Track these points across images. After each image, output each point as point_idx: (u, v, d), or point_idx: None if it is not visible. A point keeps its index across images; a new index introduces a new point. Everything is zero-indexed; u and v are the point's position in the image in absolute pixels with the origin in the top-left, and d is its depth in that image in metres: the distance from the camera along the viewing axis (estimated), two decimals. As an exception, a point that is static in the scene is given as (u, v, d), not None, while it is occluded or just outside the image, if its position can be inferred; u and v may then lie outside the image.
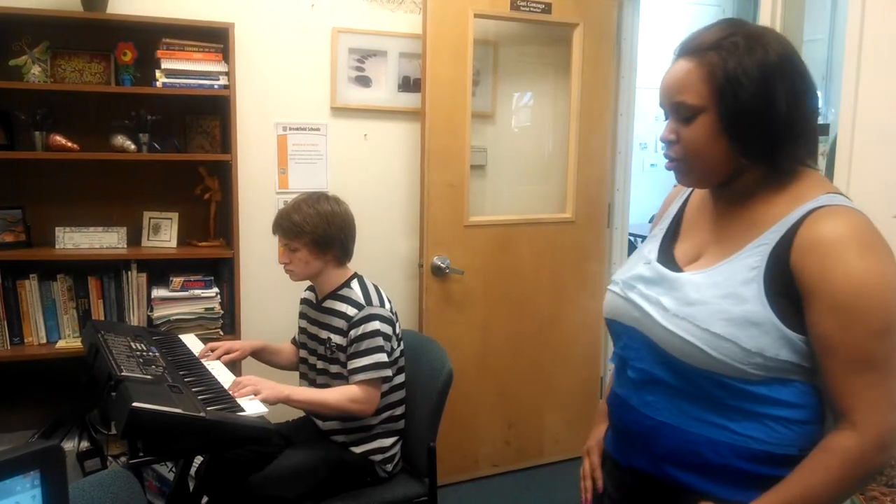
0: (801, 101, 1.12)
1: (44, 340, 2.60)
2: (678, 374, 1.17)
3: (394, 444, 2.21)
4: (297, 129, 2.98)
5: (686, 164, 1.17)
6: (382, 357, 2.08)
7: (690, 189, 1.34)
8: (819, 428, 1.10)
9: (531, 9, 3.01)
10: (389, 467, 2.21)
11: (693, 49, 1.14)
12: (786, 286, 1.08)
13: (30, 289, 2.57)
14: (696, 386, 1.15)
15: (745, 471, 1.12)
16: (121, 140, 2.62)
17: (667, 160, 1.21)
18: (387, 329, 2.12)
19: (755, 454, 1.12)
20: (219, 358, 2.21)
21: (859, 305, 1.04)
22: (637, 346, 1.24)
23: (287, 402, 2.01)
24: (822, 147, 2.46)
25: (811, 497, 1.06)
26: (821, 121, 2.56)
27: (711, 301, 1.12)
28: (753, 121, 1.10)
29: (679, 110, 1.15)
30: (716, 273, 1.15)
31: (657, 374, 1.20)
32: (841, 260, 1.05)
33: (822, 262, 1.05)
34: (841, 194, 1.13)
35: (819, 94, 1.17)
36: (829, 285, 1.05)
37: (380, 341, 2.09)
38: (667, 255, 1.27)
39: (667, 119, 1.19)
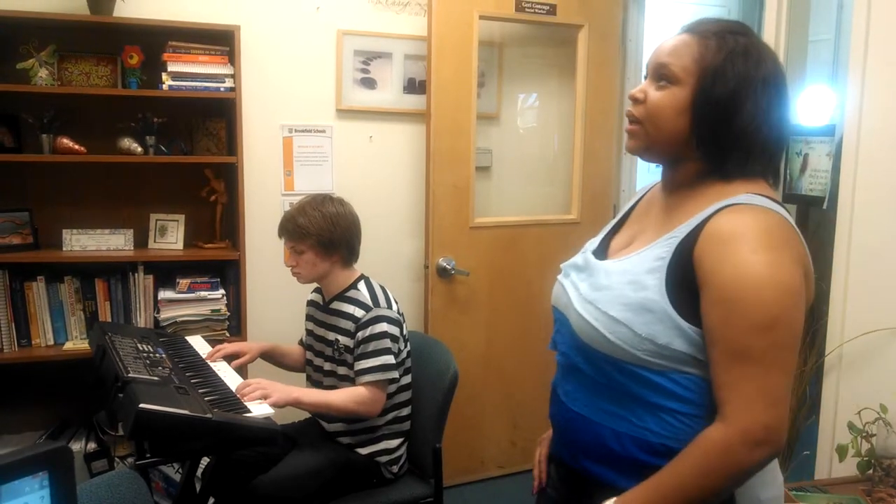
0: (770, 121, 1.13)
1: (51, 342, 2.61)
2: (587, 359, 1.20)
3: (400, 446, 2.21)
4: (303, 131, 2.99)
5: (643, 130, 1.19)
6: (389, 359, 2.08)
7: (650, 187, 1.36)
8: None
9: (536, 10, 3.01)
10: (395, 468, 2.21)
11: (699, 30, 1.17)
12: (686, 278, 1.10)
13: (37, 291, 2.58)
14: (602, 372, 1.17)
15: (648, 463, 1.13)
16: (127, 142, 2.63)
17: (627, 121, 1.22)
18: (394, 330, 2.12)
19: (653, 447, 1.13)
20: (225, 356, 2.22)
21: (742, 298, 1.04)
22: (564, 330, 1.28)
23: (296, 404, 2.01)
24: (829, 148, 2.45)
25: (680, 489, 1.06)
26: (827, 121, 2.56)
27: (616, 287, 1.15)
28: (718, 114, 1.12)
29: (660, 72, 1.17)
30: (627, 261, 1.19)
31: (574, 359, 1.24)
32: (732, 252, 1.05)
33: (716, 253, 1.07)
34: (769, 197, 1.13)
35: (790, 119, 1.19)
36: (717, 276, 1.06)
37: (387, 343, 2.09)
38: (603, 245, 1.32)
39: (645, 80, 1.22)
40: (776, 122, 1.15)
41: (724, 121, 1.12)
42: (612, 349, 1.14)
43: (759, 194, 1.13)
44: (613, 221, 1.38)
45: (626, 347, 1.12)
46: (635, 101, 1.20)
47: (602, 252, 1.30)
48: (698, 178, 1.18)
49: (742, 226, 1.07)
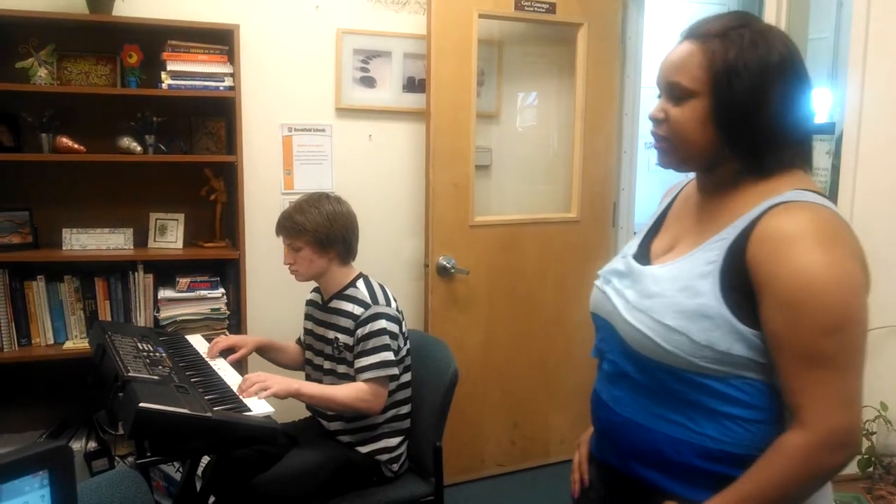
0: (795, 105, 1.12)
1: (51, 341, 2.61)
2: (639, 367, 1.18)
3: (400, 444, 2.22)
4: (303, 130, 2.99)
5: (670, 145, 1.17)
6: (389, 356, 2.08)
7: (682, 187, 1.35)
8: (776, 428, 1.09)
9: (535, 9, 3.00)
10: (395, 467, 2.21)
11: (699, 34, 1.14)
12: (741, 281, 1.08)
13: (37, 290, 2.58)
14: (656, 380, 1.16)
15: (705, 469, 1.12)
16: (127, 142, 2.63)
17: (654, 140, 1.21)
18: (393, 328, 2.13)
19: (712, 453, 1.12)
20: (224, 350, 2.22)
21: (807, 301, 1.02)
22: (609, 338, 1.26)
23: (296, 395, 2.02)
24: (828, 146, 2.45)
25: (763, 496, 1.05)
26: (827, 119, 2.56)
27: (668, 294, 1.13)
28: (744, 114, 1.10)
29: (673, 90, 1.15)
30: (675, 266, 1.16)
31: (624, 367, 1.21)
32: (792, 254, 1.03)
33: (774, 256, 1.05)
34: (815, 191, 1.11)
35: (814, 99, 1.16)
36: (778, 280, 1.04)
37: (386, 340, 2.09)
38: (643, 250, 1.29)
39: (659, 98, 1.20)
40: (800, 105, 1.12)
41: (749, 118, 1.10)
42: (668, 357, 1.12)
43: (804, 189, 1.11)
44: (650, 224, 1.35)
45: (683, 356, 1.10)
46: (657, 121, 1.18)
47: (644, 256, 1.27)
48: (737, 177, 1.16)
49: (796, 225, 1.05)
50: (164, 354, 2.08)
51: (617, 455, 1.25)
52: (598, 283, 1.33)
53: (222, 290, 2.73)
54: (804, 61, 1.14)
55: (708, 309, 1.08)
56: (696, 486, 1.12)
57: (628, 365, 1.20)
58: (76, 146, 2.56)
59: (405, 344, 2.22)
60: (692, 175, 1.30)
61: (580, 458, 1.44)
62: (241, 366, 2.22)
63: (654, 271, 1.19)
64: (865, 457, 1.93)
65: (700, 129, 1.13)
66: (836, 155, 2.31)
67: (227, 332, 2.71)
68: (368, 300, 2.15)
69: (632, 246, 1.32)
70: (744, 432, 1.10)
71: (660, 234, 1.30)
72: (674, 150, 1.17)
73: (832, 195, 2.34)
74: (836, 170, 2.28)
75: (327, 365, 2.22)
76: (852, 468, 1.97)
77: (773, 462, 1.05)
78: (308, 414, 2.37)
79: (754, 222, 1.08)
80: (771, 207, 1.08)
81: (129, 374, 1.77)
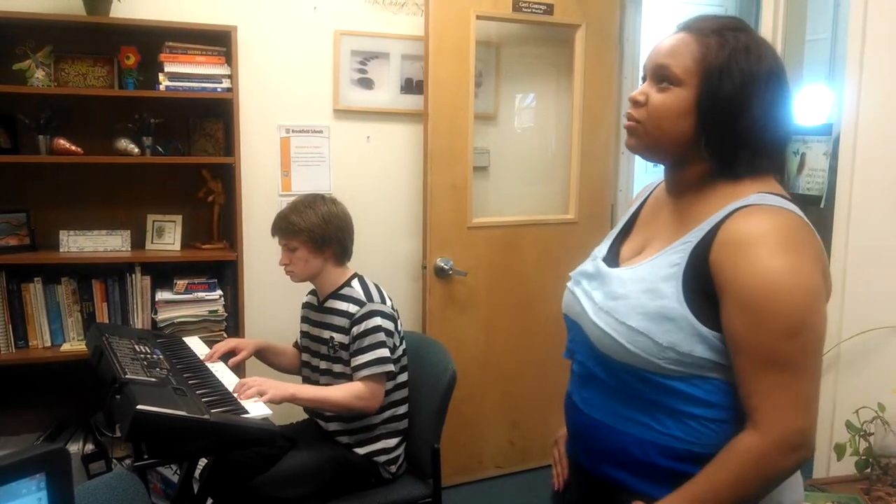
0: (775, 118, 1.13)
1: (48, 343, 2.61)
2: (606, 368, 1.19)
3: (398, 445, 2.21)
4: (300, 131, 2.99)
5: (644, 129, 1.16)
6: (385, 352, 2.09)
7: (652, 188, 1.35)
8: (740, 427, 1.09)
9: (533, 10, 3.01)
10: (393, 468, 2.21)
11: (695, 28, 1.15)
12: (704, 284, 1.08)
13: (34, 292, 2.57)
14: (621, 381, 1.16)
15: (671, 469, 1.12)
16: (124, 143, 2.63)
17: (626, 119, 1.20)
18: (388, 325, 2.13)
19: (678, 453, 1.12)
20: (223, 354, 2.22)
21: (767, 305, 1.03)
22: (579, 339, 1.27)
23: (292, 400, 2.02)
24: (826, 147, 2.46)
25: (716, 496, 1.05)
26: (825, 120, 2.56)
27: (632, 296, 1.14)
28: (727, 114, 1.11)
29: (660, 73, 1.15)
30: (641, 269, 1.17)
31: (592, 368, 1.22)
32: (752, 258, 1.04)
33: (735, 259, 1.05)
34: (779, 195, 1.12)
35: (793, 114, 1.19)
36: (739, 283, 1.04)
37: (382, 337, 2.10)
38: (613, 252, 1.29)
39: (643, 81, 1.19)
40: (781, 117, 1.14)
41: (731, 120, 1.11)
42: (632, 359, 1.12)
43: (770, 192, 1.11)
44: (620, 226, 1.35)
45: (646, 357, 1.10)
46: (636, 103, 1.17)
47: (613, 259, 1.27)
48: (706, 179, 1.16)
49: (757, 229, 1.05)
50: (161, 357, 2.07)
51: (588, 456, 1.26)
52: (569, 284, 1.34)
53: (220, 292, 2.73)
54: (787, 77, 1.15)
55: (670, 311, 1.09)
56: (663, 486, 1.12)
57: (596, 366, 1.21)
58: (73, 148, 2.55)
59: (401, 343, 2.23)
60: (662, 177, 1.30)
61: (559, 454, 1.44)
62: (239, 370, 2.22)
63: (620, 273, 1.20)
64: (863, 458, 1.93)
65: (677, 120, 1.13)
66: (834, 156, 2.31)
67: (225, 334, 2.72)
68: (363, 298, 2.15)
69: (602, 248, 1.32)
70: (708, 432, 1.11)
71: (630, 236, 1.31)
72: (646, 134, 1.16)
73: (829, 196, 2.35)
74: (833, 171, 2.29)
75: (323, 365, 2.22)
76: (850, 469, 1.98)
77: (726, 463, 1.06)
78: (305, 416, 2.36)
79: (718, 225, 1.09)
80: (734, 211, 1.09)
81: (127, 376, 1.76)
